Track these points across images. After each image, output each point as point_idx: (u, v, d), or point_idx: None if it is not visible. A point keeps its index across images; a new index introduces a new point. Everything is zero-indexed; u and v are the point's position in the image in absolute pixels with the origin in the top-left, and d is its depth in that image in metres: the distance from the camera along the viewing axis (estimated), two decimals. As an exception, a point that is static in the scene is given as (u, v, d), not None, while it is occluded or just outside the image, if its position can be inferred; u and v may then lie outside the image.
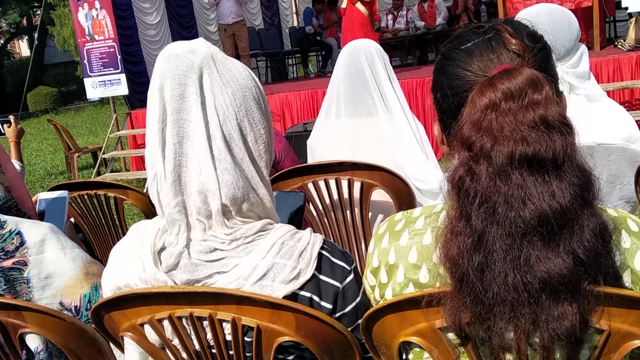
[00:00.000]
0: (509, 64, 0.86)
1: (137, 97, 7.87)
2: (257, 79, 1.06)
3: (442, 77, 0.93)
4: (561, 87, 1.60)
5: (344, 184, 2.03)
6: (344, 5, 7.25)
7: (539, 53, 0.89)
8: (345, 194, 2.05)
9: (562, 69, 1.78)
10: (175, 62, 0.98)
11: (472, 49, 0.90)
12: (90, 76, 7.81)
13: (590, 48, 6.29)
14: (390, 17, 10.10)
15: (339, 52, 2.37)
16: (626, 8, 5.44)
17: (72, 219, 2.58)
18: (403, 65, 9.22)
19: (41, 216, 2.03)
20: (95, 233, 2.58)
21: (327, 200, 2.09)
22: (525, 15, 1.77)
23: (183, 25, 9.03)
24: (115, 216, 2.50)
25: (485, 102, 0.79)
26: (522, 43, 0.88)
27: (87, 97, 8.54)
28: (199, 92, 0.96)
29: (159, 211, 1.01)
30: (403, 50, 9.77)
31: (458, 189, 0.80)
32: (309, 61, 10.63)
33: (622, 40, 5.99)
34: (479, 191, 0.77)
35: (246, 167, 0.99)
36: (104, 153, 7.76)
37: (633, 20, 5.99)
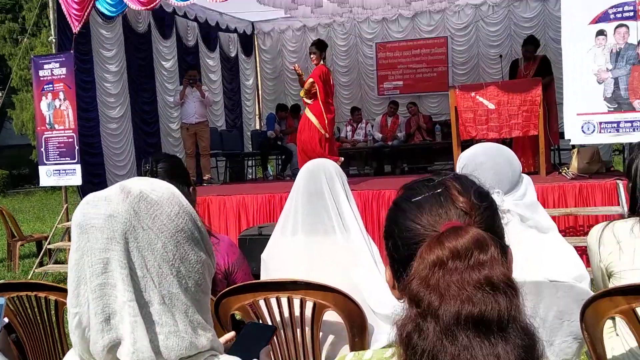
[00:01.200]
0: (456, 221, 0.89)
1: (91, 188, 7.69)
2: (187, 206, 0.98)
3: (394, 227, 0.96)
4: (510, 219, 1.67)
5: (296, 302, 2.01)
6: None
7: (485, 211, 0.92)
8: (297, 313, 2.02)
9: (511, 202, 1.86)
10: (94, 235, 0.89)
11: (422, 202, 0.94)
12: (45, 164, 7.70)
13: (536, 172, 6.62)
14: (349, 128, 10.49)
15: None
16: (569, 140, 5.80)
17: (5, 319, 2.44)
18: (360, 175, 9.46)
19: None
20: (30, 335, 2.44)
21: (278, 318, 2.05)
22: (465, 159, 1.88)
23: (145, 121, 9.11)
24: (54, 320, 2.38)
25: (433, 259, 0.82)
26: (470, 201, 0.92)
27: (40, 184, 8.38)
28: (125, 264, 0.89)
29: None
30: (361, 161, 10.08)
31: (406, 345, 0.80)
32: (269, 163, 10.79)
33: (566, 168, 6.34)
34: (426, 349, 0.78)
35: (191, 316, 0.94)
36: (49, 243, 7.49)
37: (575, 150, 6.37)
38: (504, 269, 0.81)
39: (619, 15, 5.46)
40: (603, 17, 5.52)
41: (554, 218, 5.36)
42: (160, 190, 0.96)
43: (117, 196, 0.92)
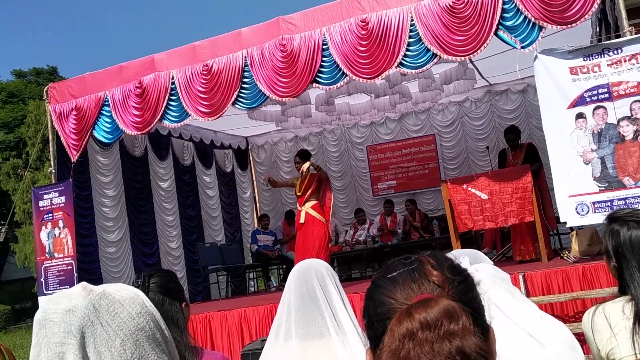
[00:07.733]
0: (428, 294, 0.89)
1: (91, 315, 7.62)
2: (151, 307, 0.98)
3: (370, 304, 0.95)
4: (481, 278, 1.64)
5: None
6: (302, 220, 7.57)
7: (459, 285, 0.92)
8: None
9: (480, 266, 1.85)
10: (51, 329, 0.89)
11: (397, 277, 0.94)
12: (44, 294, 7.62)
13: (538, 259, 6.55)
14: (352, 231, 10.51)
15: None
16: (565, 222, 5.79)
17: None
18: (362, 278, 9.34)
19: None
20: None
21: None
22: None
23: (144, 242, 9.14)
24: None
25: (403, 331, 0.81)
26: (443, 275, 0.92)
27: (39, 316, 8.23)
28: (80, 359, 0.88)
29: None
30: (362, 263, 9.99)
31: None
32: (271, 274, 10.68)
33: (567, 252, 6.27)
34: None
35: None
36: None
37: (574, 233, 6.33)
38: (478, 340, 0.79)
39: (594, 98, 5.65)
40: (580, 101, 5.70)
41: (560, 304, 5.25)
42: (124, 292, 0.96)
43: (78, 293, 0.92)
